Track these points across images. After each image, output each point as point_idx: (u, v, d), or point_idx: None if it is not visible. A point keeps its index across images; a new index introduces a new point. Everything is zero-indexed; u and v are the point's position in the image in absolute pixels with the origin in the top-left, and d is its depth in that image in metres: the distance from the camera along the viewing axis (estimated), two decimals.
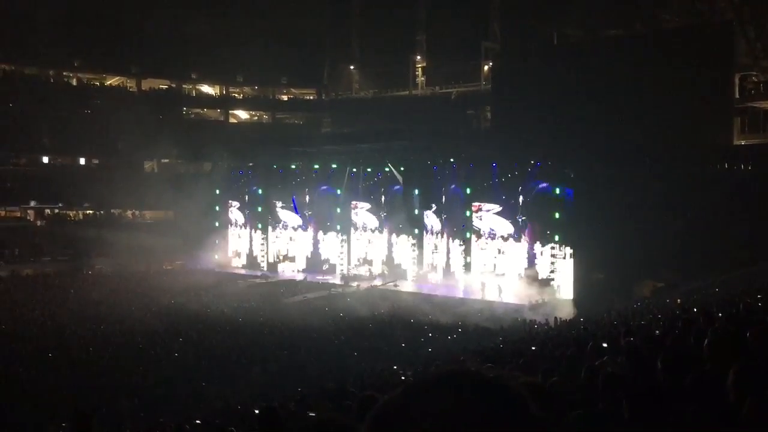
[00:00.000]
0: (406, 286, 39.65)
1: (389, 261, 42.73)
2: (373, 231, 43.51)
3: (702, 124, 37.48)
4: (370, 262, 43.62)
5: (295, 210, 46.71)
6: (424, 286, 39.26)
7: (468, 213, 38.28)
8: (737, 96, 40.65)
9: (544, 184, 35.56)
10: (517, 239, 36.69)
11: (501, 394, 1.09)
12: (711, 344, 4.42)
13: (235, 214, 50.98)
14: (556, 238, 35.02)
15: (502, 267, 37.14)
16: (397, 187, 42.20)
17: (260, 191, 48.96)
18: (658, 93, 37.90)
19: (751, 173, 35.59)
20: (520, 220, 36.56)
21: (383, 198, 43.23)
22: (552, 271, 35.04)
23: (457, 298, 35.31)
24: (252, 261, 49.31)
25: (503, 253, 37.13)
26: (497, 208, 37.49)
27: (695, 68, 37.73)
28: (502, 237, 37.24)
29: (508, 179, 37.06)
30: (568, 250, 34.79)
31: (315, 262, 45.77)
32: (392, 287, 39.38)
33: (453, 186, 39.36)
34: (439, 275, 39.96)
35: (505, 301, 33.99)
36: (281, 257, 47.69)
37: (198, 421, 14.35)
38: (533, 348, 15.03)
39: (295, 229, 47.17)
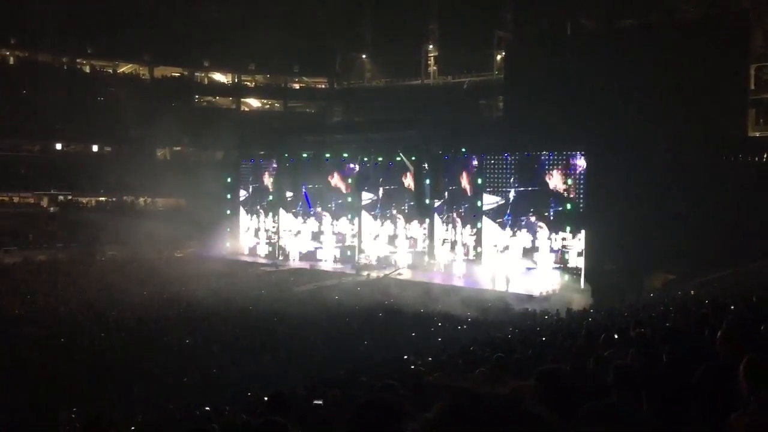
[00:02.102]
0: (416, 276, 39.64)
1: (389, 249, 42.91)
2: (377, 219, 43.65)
3: (716, 115, 37.16)
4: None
5: (307, 200, 46.71)
6: (433, 276, 39.24)
7: (479, 203, 38.14)
8: (752, 87, 40.28)
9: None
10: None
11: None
12: (724, 336, 4.38)
13: (244, 202, 51.05)
14: (568, 229, 34.89)
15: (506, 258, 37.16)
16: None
17: (271, 180, 49.00)
18: (673, 84, 37.60)
19: (765, 165, 35.30)
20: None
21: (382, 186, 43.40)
22: (563, 262, 34.90)
23: (467, 288, 35.25)
24: (253, 252, 49.63)
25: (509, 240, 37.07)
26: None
27: (710, 59, 37.38)
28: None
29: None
30: (580, 242, 34.66)
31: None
32: (396, 276, 39.42)
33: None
34: (449, 265, 39.91)
35: (514, 291, 33.94)
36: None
37: (208, 408, 14.42)
38: (543, 339, 15.01)
39: (305, 220, 47.10)
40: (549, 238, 35.63)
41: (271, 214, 48.89)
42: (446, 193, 40.46)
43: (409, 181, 42.14)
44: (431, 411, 1.11)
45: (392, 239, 42.90)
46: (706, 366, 4.13)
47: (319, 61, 64.69)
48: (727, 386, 3.66)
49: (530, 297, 32.47)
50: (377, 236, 43.48)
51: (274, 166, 49.02)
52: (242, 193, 51.14)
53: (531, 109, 42.37)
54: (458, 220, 39.74)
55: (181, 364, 20.77)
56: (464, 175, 39.38)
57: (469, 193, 39.17)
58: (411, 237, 42.17)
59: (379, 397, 2.34)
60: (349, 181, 44.55)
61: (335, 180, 45.49)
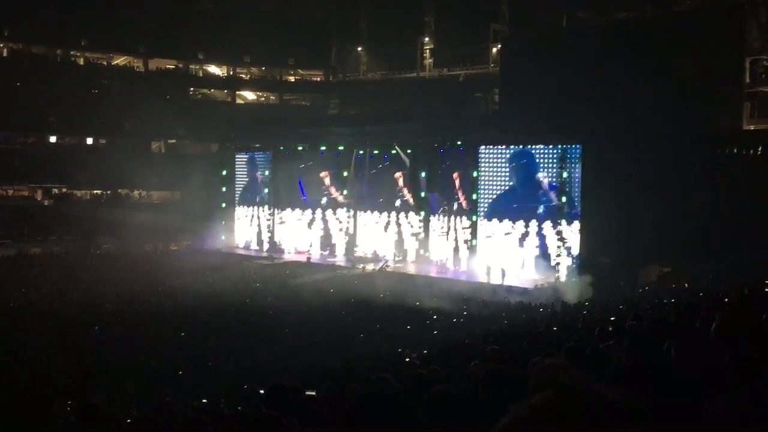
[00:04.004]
0: (411, 268, 39.71)
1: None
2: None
3: (712, 109, 37.18)
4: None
5: (302, 193, 46.67)
6: (428, 268, 39.30)
7: (475, 196, 38.18)
8: (748, 80, 40.29)
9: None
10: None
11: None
12: (718, 328, 4.40)
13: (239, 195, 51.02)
14: (563, 222, 34.94)
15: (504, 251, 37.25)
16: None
17: (267, 173, 48.89)
18: (668, 77, 37.59)
19: (760, 158, 35.36)
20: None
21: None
22: (558, 255, 34.99)
23: (462, 281, 35.31)
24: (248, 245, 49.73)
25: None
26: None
27: (706, 52, 37.38)
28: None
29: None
30: (575, 234, 34.73)
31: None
32: (386, 268, 39.43)
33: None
34: (444, 257, 39.94)
35: (509, 284, 34.00)
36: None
37: (204, 401, 14.42)
38: (538, 331, 15.03)
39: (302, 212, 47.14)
40: (544, 231, 35.68)
41: (266, 206, 48.83)
42: (441, 186, 40.48)
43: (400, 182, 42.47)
44: (534, 398, 1.08)
45: (387, 231, 42.94)
46: (700, 358, 4.15)
47: (315, 53, 64.52)
48: (719, 377, 3.67)
49: (525, 289, 32.52)
50: (365, 224, 43.76)
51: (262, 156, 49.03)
52: (237, 186, 51.07)
53: (527, 102, 42.36)
54: (454, 211, 39.78)
55: (177, 357, 20.77)
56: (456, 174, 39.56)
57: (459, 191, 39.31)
58: (408, 224, 42.21)
59: (378, 390, 2.34)
60: (346, 174, 44.43)
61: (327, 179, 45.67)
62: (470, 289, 32.53)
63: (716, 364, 3.83)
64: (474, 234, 38.31)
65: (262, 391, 9.70)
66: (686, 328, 6.44)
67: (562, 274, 34.45)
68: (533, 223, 36.10)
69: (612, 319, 12.83)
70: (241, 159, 51.12)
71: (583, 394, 1.07)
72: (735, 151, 36.61)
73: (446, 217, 40.10)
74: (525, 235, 36.37)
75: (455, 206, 39.58)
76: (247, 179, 50.69)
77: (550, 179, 35.72)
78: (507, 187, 37.28)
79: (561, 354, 4.49)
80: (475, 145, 38.57)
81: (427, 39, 60.87)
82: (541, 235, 35.83)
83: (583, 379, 1.13)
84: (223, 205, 50.77)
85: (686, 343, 4.31)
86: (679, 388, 3.14)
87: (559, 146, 35.14)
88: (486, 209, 37.92)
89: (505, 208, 37.24)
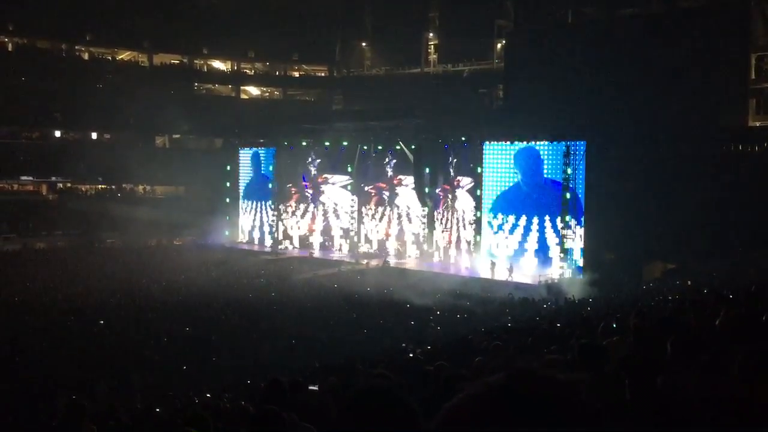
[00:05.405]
0: (415, 264, 39.68)
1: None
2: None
3: (717, 105, 37.05)
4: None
5: (305, 187, 46.70)
6: (432, 264, 39.28)
7: (479, 192, 38.15)
8: (753, 77, 40.12)
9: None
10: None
11: (573, 404, 1.06)
12: (722, 326, 4.38)
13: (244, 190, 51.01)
14: (567, 217, 34.88)
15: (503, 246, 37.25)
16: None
17: (270, 168, 48.88)
18: (673, 73, 37.49)
19: (765, 155, 35.24)
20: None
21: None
22: (562, 251, 34.92)
23: (466, 277, 35.30)
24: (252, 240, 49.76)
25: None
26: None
27: (711, 48, 37.26)
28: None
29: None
30: (579, 230, 34.66)
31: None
32: (387, 264, 39.41)
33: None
34: (447, 253, 39.91)
35: (514, 280, 33.97)
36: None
37: (208, 395, 14.46)
38: (542, 327, 15.02)
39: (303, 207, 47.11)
40: (548, 227, 35.62)
41: (271, 201, 48.76)
42: (443, 182, 40.43)
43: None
44: (491, 378, 1.09)
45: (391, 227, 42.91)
46: (703, 356, 4.13)
47: (319, 49, 64.37)
48: (724, 375, 3.65)
49: (529, 285, 32.50)
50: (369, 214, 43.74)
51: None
52: (241, 181, 51.07)
53: (531, 98, 42.25)
54: (457, 208, 39.75)
55: (181, 352, 20.81)
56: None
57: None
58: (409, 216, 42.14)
59: (375, 384, 2.33)
60: (350, 169, 44.34)
61: None
62: (473, 284, 32.52)
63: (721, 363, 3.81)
64: (478, 230, 38.26)
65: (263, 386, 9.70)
66: (689, 326, 6.41)
67: (566, 270, 34.39)
68: (537, 219, 36.02)
69: (616, 315, 12.82)
70: (245, 154, 51.09)
71: (536, 375, 1.09)
72: (740, 147, 36.48)
73: (450, 213, 40.04)
74: (529, 230, 36.30)
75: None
76: (251, 174, 50.64)
77: (554, 175, 35.63)
78: (511, 183, 37.21)
79: (575, 350, 4.49)
80: (480, 141, 38.49)
81: (431, 34, 60.68)
82: (544, 231, 35.76)
83: (539, 363, 1.14)
84: (227, 200, 50.80)
85: (686, 339, 4.29)
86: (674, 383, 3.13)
87: (564, 142, 35.03)
88: (490, 205, 37.85)
89: (510, 203, 37.16)
